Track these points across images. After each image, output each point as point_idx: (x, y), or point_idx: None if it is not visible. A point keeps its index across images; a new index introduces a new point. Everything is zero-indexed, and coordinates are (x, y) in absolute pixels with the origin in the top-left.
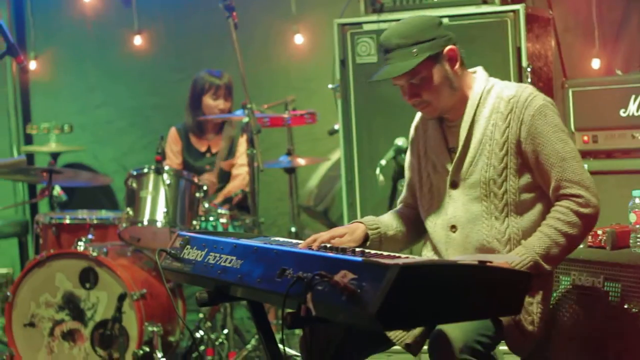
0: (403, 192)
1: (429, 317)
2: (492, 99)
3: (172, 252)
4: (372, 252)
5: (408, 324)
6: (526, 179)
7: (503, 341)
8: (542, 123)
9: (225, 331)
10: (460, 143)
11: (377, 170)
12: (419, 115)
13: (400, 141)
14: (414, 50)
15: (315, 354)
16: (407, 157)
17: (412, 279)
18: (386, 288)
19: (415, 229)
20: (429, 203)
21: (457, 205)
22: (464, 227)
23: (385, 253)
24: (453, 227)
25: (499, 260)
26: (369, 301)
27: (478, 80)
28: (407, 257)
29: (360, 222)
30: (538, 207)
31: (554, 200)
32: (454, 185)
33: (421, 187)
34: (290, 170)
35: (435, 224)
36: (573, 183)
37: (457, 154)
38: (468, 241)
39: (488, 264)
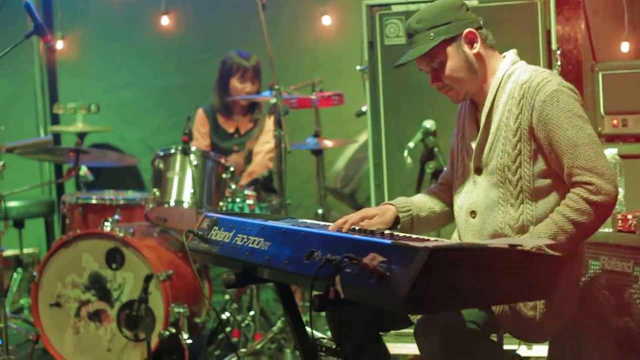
0: (446, 169)
1: (458, 301)
2: (510, 84)
3: (200, 233)
4: (401, 234)
5: (438, 307)
6: (541, 165)
7: None
8: (554, 109)
9: (252, 313)
10: (480, 128)
11: (405, 153)
12: None
13: (428, 123)
14: (432, 34)
15: (343, 332)
16: (453, 133)
17: (442, 262)
18: (416, 271)
19: (451, 208)
20: (459, 186)
21: (479, 191)
22: (482, 213)
23: (414, 236)
24: (473, 213)
25: (530, 244)
26: (399, 284)
27: (503, 64)
28: (436, 240)
29: (391, 204)
30: (554, 195)
31: (569, 188)
32: (478, 171)
33: (456, 169)
34: (317, 152)
35: (460, 208)
36: (585, 170)
37: (477, 140)
38: (484, 227)
39: (519, 247)
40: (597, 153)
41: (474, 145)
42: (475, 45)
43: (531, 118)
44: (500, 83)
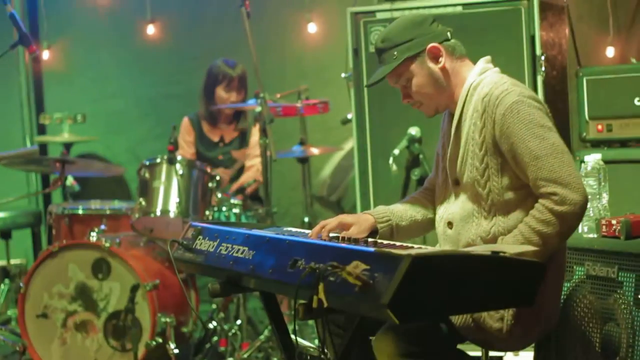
0: (432, 172)
1: (442, 308)
2: (475, 96)
3: (184, 242)
4: (385, 242)
5: (421, 315)
6: (509, 178)
7: None
8: (514, 121)
9: (239, 322)
10: (450, 141)
11: (390, 160)
12: None
13: (413, 130)
14: (395, 52)
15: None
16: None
17: (425, 270)
18: (398, 278)
19: (434, 216)
20: (440, 196)
21: (458, 202)
22: (457, 225)
23: (398, 243)
24: (450, 224)
25: (512, 250)
26: (381, 292)
27: (470, 75)
28: (419, 248)
29: (370, 214)
30: (524, 207)
31: (537, 199)
32: (456, 182)
33: (437, 177)
34: (303, 160)
35: (441, 218)
36: (548, 181)
37: (449, 153)
38: (459, 239)
39: (501, 254)
40: (561, 162)
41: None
42: (440, 59)
43: (494, 132)
44: (466, 95)
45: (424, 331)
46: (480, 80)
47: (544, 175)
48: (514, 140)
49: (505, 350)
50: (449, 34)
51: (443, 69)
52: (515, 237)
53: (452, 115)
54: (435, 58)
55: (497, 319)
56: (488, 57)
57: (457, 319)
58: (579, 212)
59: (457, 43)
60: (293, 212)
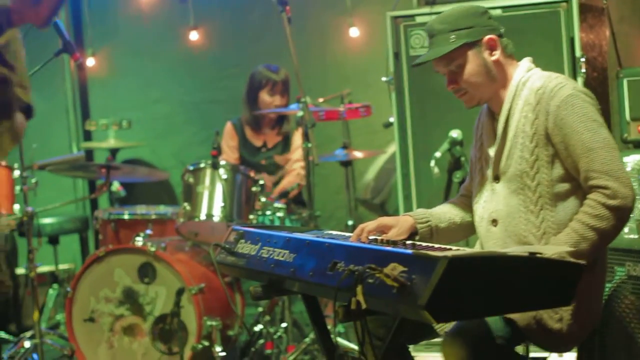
0: (467, 179)
1: (478, 309)
2: (525, 90)
3: (227, 246)
4: (424, 244)
5: (458, 315)
6: (558, 170)
7: None
8: (569, 113)
9: (284, 325)
10: (498, 136)
11: (432, 163)
12: (483, 106)
13: (454, 133)
14: (452, 36)
15: (369, 344)
16: (472, 145)
17: (462, 271)
18: (435, 280)
19: (472, 219)
20: (478, 196)
21: (499, 199)
22: (503, 222)
23: (436, 245)
24: (494, 221)
25: (550, 251)
26: (419, 293)
27: (517, 72)
28: (457, 249)
29: (410, 216)
30: (573, 199)
31: (586, 192)
32: (497, 178)
33: (474, 178)
34: (347, 164)
35: (481, 218)
36: (601, 173)
37: (496, 147)
38: (507, 235)
39: (538, 255)
40: (612, 156)
41: (492, 153)
42: (494, 52)
43: (547, 123)
44: (516, 90)
45: (491, 336)
46: (530, 76)
47: (596, 167)
48: (568, 131)
49: (561, 351)
50: (502, 31)
51: (496, 62)
52: (569, 236)
53: (491, 113)
54: (491, 50)
55: (556, 320)
56: (530, 58)
57: (520, 321)
58: (630, 207)
59: (509, 42)
60: (337, 215)
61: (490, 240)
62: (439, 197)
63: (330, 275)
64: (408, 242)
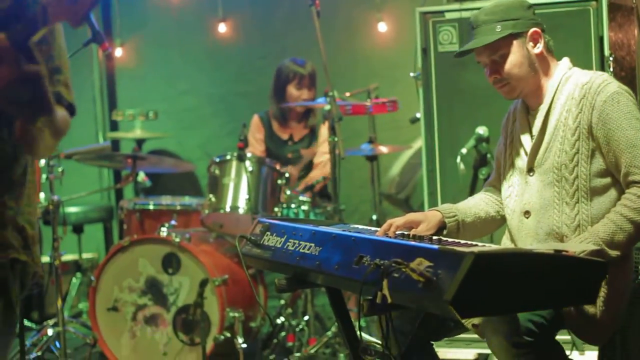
0: (491, 175)
1: (503, 305)
2: (569, 85)
3: (252, 238)
4: (449, 240)
5: (483, 311)
6: (598, 164)
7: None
8: (614, 109)
9: (306, 317)
10: (537, 130)
11: (458, 159)
12: (514, 103)
13: (481, 130)
14: (498, 26)
15: (393, 338)
16: (499, 142)
17: (487, 267)
18: (461, 276)
19: (498, 213)
20: (510, 189)
21: (532, 191)
22: (536, 213)
23: (462, 241)
24: (527, 213)
25: (574, 248)
26: (444, 289)
27: (559, 68)
28: (483, 245)
29: (437, 210)
30: (609, 195)
31: (625, 188)
32: (531, 171)
33: (504, 172)
34: (372, 158)
35: (513, 211)
36: None
37: (534, 141)
38: (539, 227)
39: (564, 252)
40: None
41: (527, 147)
42: (538, 45)
43: (591, 117)
44: (558, 85)
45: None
46: (572, 74)
47: (637, 163)
48: (612, 126)
49: (593, 342)
50: (544, 27)
51: (539, 55)
52: (606, 226)
53: (525, 108)
54: (535, 42)
55: (592, 305)
56: (568, 58)
57: None
58: None
59: (550, 38)
60: (362, 209)
61: (522, 232)
62: (464, 193)
63: (356, 269)
64: (434, 237)
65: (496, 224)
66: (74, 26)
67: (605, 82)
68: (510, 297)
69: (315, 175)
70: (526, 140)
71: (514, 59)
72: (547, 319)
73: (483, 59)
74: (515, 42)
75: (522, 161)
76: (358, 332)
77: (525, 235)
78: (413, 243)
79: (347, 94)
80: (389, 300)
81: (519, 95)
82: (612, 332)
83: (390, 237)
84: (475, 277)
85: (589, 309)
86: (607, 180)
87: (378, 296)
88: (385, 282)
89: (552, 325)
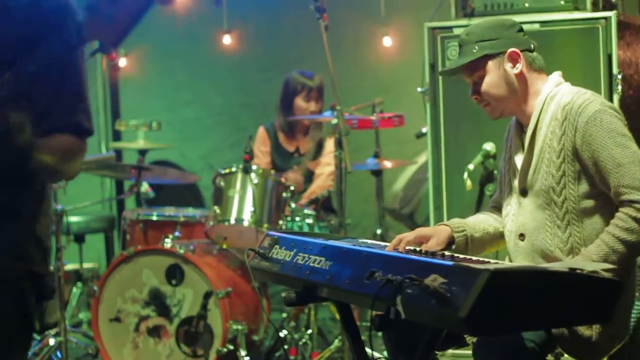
0: (496, 192)
1: (518, 323)
2: (553, 105)
3: (261, 251)
4: (462, 256)
5: (497, 329)
6: (586, 186)
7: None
8: (597, 129)
9: (309, 331)
10: (525, 150)
11: (465, 175)
12: (513, 117)
13: (488, 146)
14: (475, 47)
15: (399, 352)
16: (502, 156)
17: (503, 284)
18: (476, 293)
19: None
20: (508, 208)
21: (526, 213)
22: (530, 236)
23: (474, 258)
24: (521, 236)
25: (589, 267)
26: (459, 305)
27: (547, 85)
28: (497, 263)
29: (446, 225)
30: (600, 215)
31: (617, 207)
32: (524, 192)
33: (504, 190)
34: (377, 173)
35: (510, 232)
36: (631, 188)
37: (522, 162)
38: (533, 249)
39: (579, 271)
40: None
41: (519, 165)
42: (518, 65)
43: (574, 139)
44: (543, 105)
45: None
46: (558, 91)
47: (626, 182)
48: (596, 147)
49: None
50: (532, 45)
51: (518, 75)
52: (599, 247)
53: (520, 126)
54: (513, 62)
55: (587, 326)
56: (559, 72)
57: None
58: None
59: (538, 56)
60: (364, 223)
61: (519, 255)
62: (470, 209)
63: (368, 284)
64: (446, 253)
65: (504, 239)
66: (106, 48)
67: (586, 102)
68: (525, 314)
69: (319, 185)
70: (519, 161)
71: (490, 80)
72: (538, 344)
73: (466, 79)
74: (490, 63)
75: (516, 181)
76: (368, 349)
77: (522, 259)
78: (426, 259)
79: (352, 108)
80: (403, 316)
81: (501, 115)
82: (611, 349)
83: (400, 252)
84: (490, 294)
85: (585, 330)
86: (595, 201)
87: (391, 312)
88: (399, 298)
89: (543, 349)
